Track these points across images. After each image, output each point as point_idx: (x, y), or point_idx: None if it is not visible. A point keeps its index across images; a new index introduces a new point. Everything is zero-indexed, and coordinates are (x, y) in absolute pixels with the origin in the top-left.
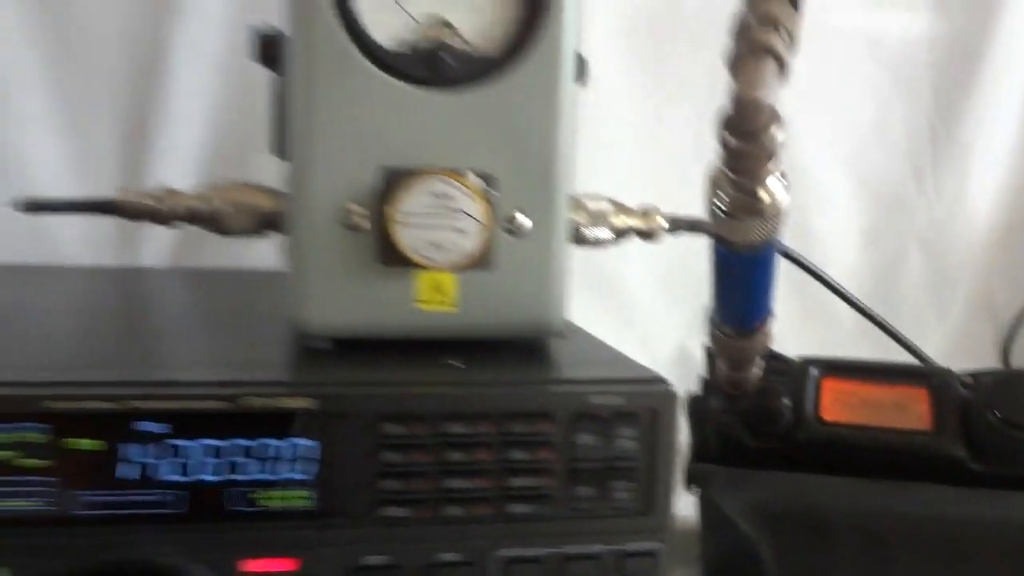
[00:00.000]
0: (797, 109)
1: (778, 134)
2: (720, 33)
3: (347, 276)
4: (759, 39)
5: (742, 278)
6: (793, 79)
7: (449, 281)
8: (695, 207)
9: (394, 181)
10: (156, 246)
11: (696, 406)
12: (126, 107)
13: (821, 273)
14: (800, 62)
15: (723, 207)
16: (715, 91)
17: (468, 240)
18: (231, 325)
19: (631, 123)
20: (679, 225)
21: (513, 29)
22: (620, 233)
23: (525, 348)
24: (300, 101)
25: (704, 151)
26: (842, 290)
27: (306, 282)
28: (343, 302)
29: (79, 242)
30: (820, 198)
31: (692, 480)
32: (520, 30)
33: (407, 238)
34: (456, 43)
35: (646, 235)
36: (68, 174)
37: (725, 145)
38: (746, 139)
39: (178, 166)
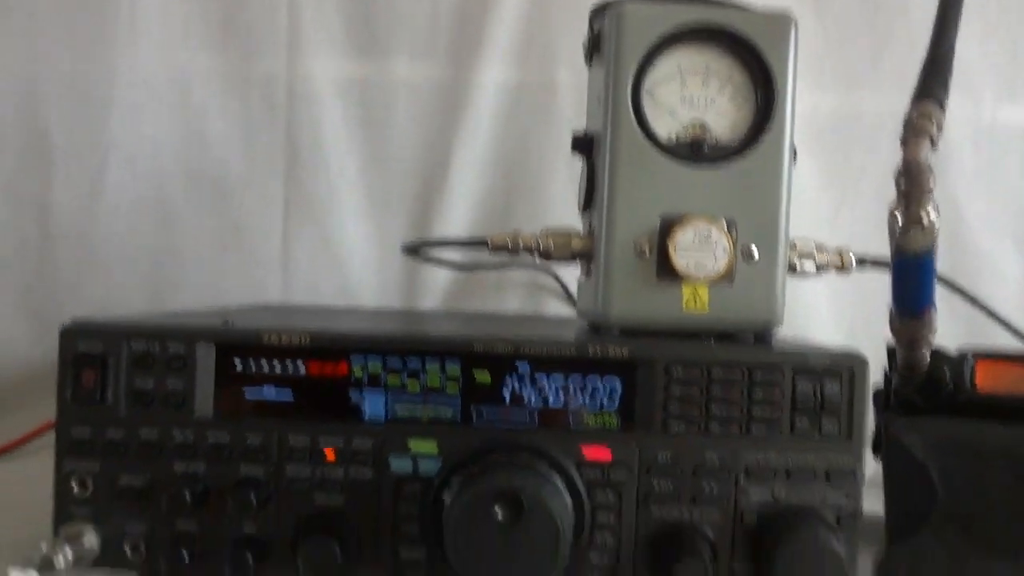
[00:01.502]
0: (973, 194)
1: (932, 181)
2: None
3: (636, 287)
4: (920, 125)
5: (913, 277)
6: (968, 170)
7: (704, 291)
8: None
9: (671, 224)
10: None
11: (882, 387)
12: (417, 196)
13: (976, 298)
14: (974, 155)
15: (899, 225)
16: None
17: (719, 263)
18: (536, 324)
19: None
20: (864, 261)
21: (749, 127)
22: (821, 267)
23: (756, 339)
24: (607, 174)
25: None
26: (995, 312)
27: (608, 290)
28: (632, 304)
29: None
30: (992, 269)
31: (881, 426)
32: (753, 128)
33: (679, 261)
34: (709, 137)
35: (840, 269)
36: (370, 244)
37: (899, 188)
38: (913, 184)
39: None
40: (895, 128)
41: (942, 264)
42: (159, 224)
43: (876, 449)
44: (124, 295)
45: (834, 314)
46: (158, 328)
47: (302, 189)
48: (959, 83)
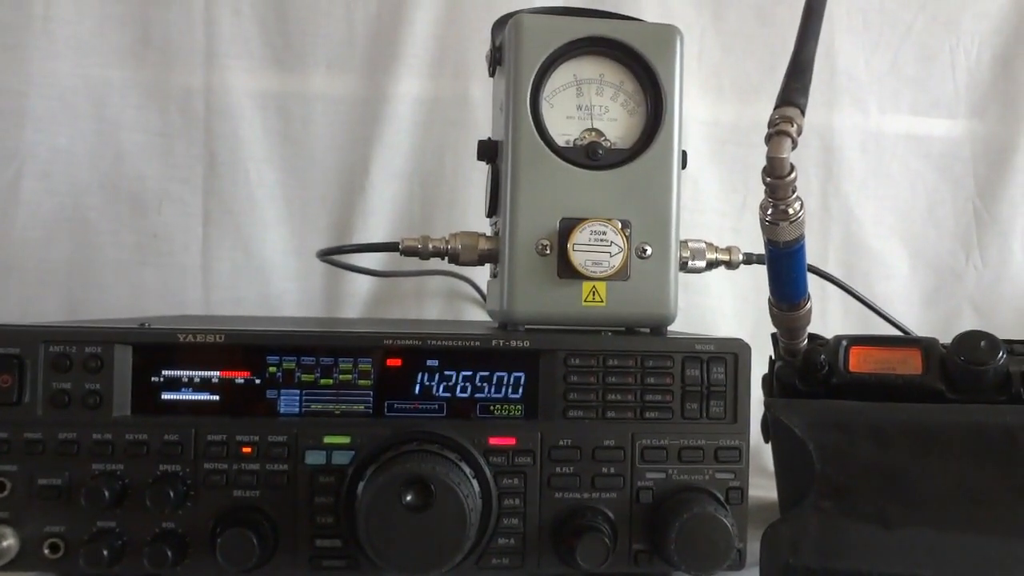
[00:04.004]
0: (862, 198)
1: (793, 175)
2: None
3: (538, 285)
4: (781, 128)
5: (785, 266)
6: (858, 175)
7: (603, 287)
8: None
9: (570, 225)
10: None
11: (767, 377)
12: (336, 207)
13: (858, 293)
14: (863, 162)
15: (768, 219)
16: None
17: (615, 260)
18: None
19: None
20: (751, 259)
21: (640, 134)
22: (711, 264)
23: (651, 332)
24: (509, 178)
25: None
26: (860, 295)
27: (512, 289)
28: (535, 301)
29: (297, 311)
30: (883, 268)
31: (766, 408)
32: (645, 134)
33: (577, 259)
34: (604, 142)
35: (729, 265)
36: (290, 254)
37: (766, 183)
38: (777, 178)
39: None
40: None
41: (838, 264)
42: (76, 237)
43: (766, 435)
44: (40, 309)
45: (736, 312)
46: (75, 330)
47: (221, 200)
48: (848, 94)
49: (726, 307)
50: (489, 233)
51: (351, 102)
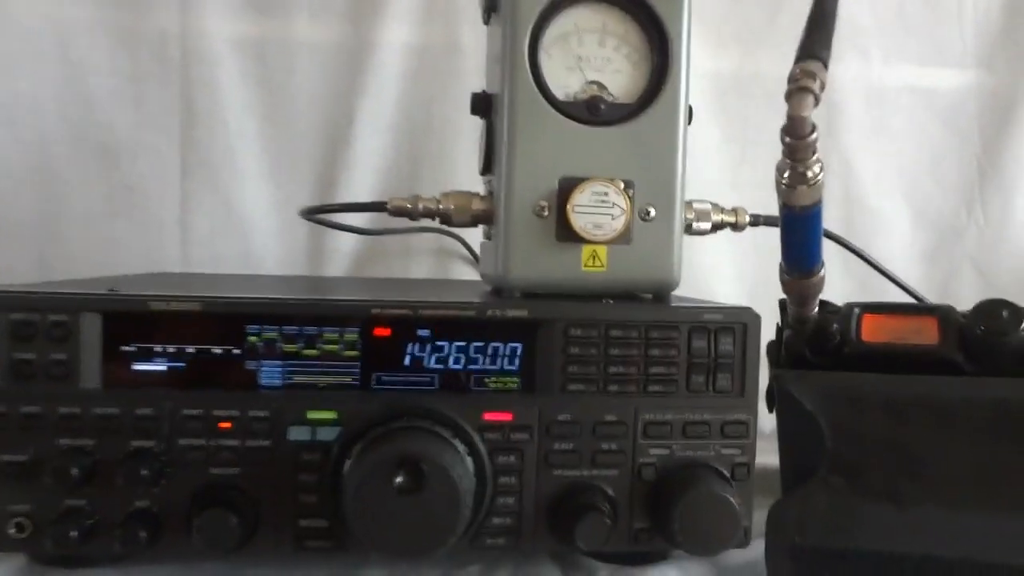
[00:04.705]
0: (862, 151)
1: (815, 135)
2: None
3: (536, 248)
4: (803, 83)
5: (800, 232)
6: (860, 127)
7: (603, 251)
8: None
9: (569, 185)
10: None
11: (774, 339)
12: (320, 160)
13: (862, 252)
14: (866, 113)
15: (785, 182)
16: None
17: (617, 223)
18: (439, 287)
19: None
20: (758, 220)
21: (645, 88)
22: (717, 226)
23: (654, 299)
24: (505, 134)
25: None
26: (875, 262)
27: (508, 253)
28: (532, 266)
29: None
30: (883, 225)
31: (773, 379)
32: (650, 88)
33: (577, 222)
34: (606, 96)
35: (735, 227)
36: (272, 209)
37: (785, 143)
38: (797, 139)
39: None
40: None
41: (836, 221)
42: (43, 189)
43: (770, 404)
44: (6, 264)
45: (735, 272)
46: (39, 298)
47: (199, 151)
48: (850, 43)
49: (724, 267)
50: (483, 192)
51: (335, 49)
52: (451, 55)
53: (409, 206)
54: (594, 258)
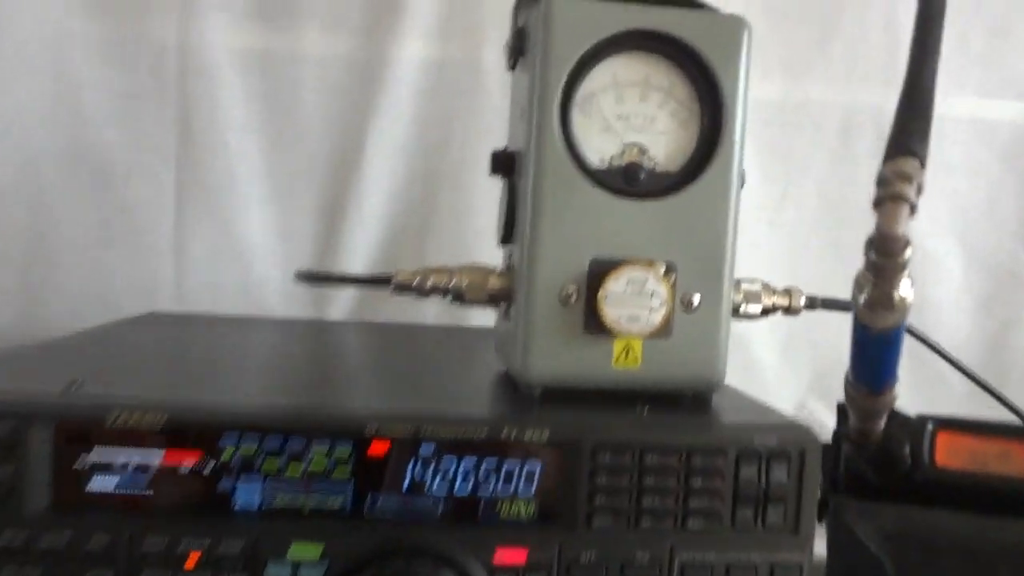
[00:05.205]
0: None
1: (907, 253)
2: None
3: (560, 340)
4: (896, 191)
5: (876, 353)
6: None
7: (638, 345)
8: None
9: (601, 270)
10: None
11: (830, 452)
12: (327, 185)
13: (936, 345)
14: None
15: (864, 301)
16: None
17: (655, 316)
18: (448, 373)
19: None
20: (815, 304)
21: (693, 153)
22: (768, 310)
23: (694, 400)
24: (530, 203)
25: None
26: (951, 357)
27: (528, 344)
28: (555, 359)
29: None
30: (935, 271)
31: (828, 508)
32: (698, 153)
33: (610, 314)
34: (648, 163)
35: (789, 311)
36: (275, 236)
37: (869, 259)
38: (886, 258)
39: (366, 233)
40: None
41: None
42: (31, 211)
43: (820, 514)
44: None
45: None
46: None
47: (197, 174)
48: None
49: (765, 340)
50: (501, 265)
51: (346, 65)
52: (471, 73)
53: (416, 282)
54: (627, 353)
